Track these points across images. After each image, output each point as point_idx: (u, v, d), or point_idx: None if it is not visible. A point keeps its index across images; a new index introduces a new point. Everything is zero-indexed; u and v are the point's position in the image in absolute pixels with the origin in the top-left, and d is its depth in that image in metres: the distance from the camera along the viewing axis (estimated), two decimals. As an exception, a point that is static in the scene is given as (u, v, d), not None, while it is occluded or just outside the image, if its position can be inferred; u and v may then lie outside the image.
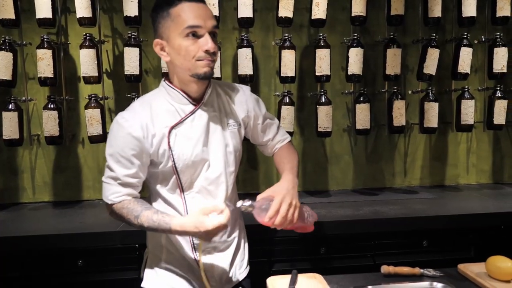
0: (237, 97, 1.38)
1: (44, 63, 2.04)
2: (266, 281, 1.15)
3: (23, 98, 2.18)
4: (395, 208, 2.04)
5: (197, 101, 1.28)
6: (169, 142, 1.23)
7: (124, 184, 1.24)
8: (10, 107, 2.08)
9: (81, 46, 2.06)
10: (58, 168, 2.34)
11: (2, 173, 2.32)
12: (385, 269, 1.21)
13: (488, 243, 1.90)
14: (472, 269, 1.18)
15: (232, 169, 1.33)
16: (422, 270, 1.19)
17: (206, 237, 1.15)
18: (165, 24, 1.19)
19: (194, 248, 1.30)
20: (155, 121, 1.24)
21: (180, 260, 1.32)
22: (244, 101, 1.38)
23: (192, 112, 1.26)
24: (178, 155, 1.24)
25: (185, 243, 1.31)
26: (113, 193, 1.25)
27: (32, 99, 2.22)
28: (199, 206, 1.22)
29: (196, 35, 1.17)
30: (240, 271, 1.39)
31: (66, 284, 1.76)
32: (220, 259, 1.33)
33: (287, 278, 1.14)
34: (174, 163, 1.24)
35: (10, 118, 2.06)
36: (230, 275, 1.35)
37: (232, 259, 1.36)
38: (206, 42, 1.17)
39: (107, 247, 1.76)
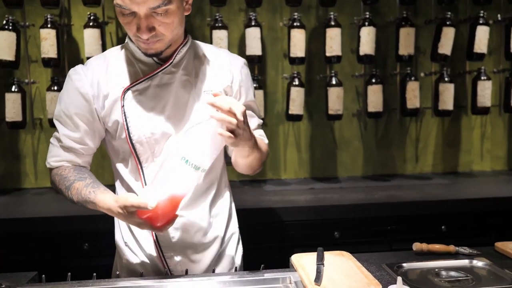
0: (221, 61, 1.10)
1: (47, 43, 1.98)
2: (291, 258, 1.09)
3: (26, 80, 2.13)
4: (411, 192, 1.97)
5: (164, 62, 1.04)
6: (122, 106, 1.01)
7: (66, 148, 1.05)
8: (13, 88, 2.02)
9: (86, 26, 2.00)
10: (62, 154, 2.29)
11: (4, 158, 2.26)
12: (417, 246, 1.12)
13: (510, 227, 1.82)
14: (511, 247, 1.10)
15: None
16: (457, 248, 1.11)
17: (128, 219, 0.92)
18: None
19: (160, 247, 1.07)
20: (110, 79, 1.03)
21: (144, 263, 1.10)
22: (228, 68, 1.10)
23: (155, 73, 1.03)
24: (133, 125, 1.02)
25: (148, 237, 1.08)
26: (53, 156, 1.06)
27: (35, 82, 2.16)
28: None
29: (126, 15, 0.95)
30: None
31: (71, 268, 1.71)
32: (195, 263, 1.10)
33: (312, 255, 1.07)
34: (129, 134, 1.02)
35: (13, 100, 2.00)
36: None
37: (210, 266, 1.12)
38: (132, 27, 0.95)
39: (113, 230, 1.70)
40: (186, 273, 1.08)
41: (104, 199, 0.96)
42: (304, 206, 1.82)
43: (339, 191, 2.05)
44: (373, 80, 2.14)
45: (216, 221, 1.14)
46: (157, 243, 1.08)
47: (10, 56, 1.97)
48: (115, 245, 1.19)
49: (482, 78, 2.16)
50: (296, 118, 2.10)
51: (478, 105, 2.15)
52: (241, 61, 1.15)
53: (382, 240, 1.79)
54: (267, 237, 1.78)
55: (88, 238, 1.70)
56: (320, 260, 1.04)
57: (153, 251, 1.09)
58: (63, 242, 1.71)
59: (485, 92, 2.14)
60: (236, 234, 1.21)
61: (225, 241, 1.17)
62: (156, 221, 0.92)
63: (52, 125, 2.05)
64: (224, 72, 1.10)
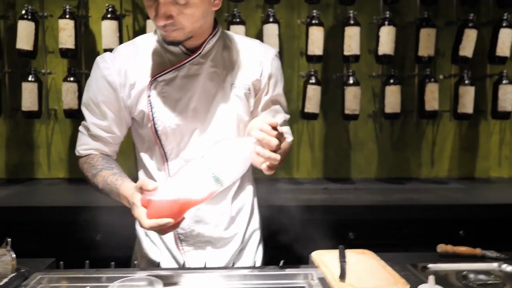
0: (251, 53, 1.06)
1: (65, 33, 1.98)
2: (312, 255, 1.06)
3: (42, 71, 2.13)
4: (427, 196, 1.93)
5: (192, 52, 1.01)
6: (149, 96, 1.00)
7: (94, 136, 1.04)
8: (30, 78, 2.03)
9: (103, 18, 2.00)
10: (74, 144, 2.26)
11: (18, 148, 2.27)
12: (442, 247, 1.09)
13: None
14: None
15: None
16: (484, 251, 1.08)
17: (135, 212, 0.87)
18: None
19: (179, 239, 1.06)
20: (137, 68, 1.01)
21: (164, 254, 1.09)
22: (258, 59, 1.06)
23: (183, 64, 1.00)
24: (159, 115, 1.00)
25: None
26: (82, 145, 1.06)
27: (51, 73, 2.16)
28: None
29: None
30: None
31: (84, 258, 1.70)
32: (214, 259, 1.07)
33: (334, 252, 1.04)
34: (154, 125, 1.01)
35: (30, 90, 2.00)
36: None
37: (228, 263, 1.09)
38: (152, 12, 0.92)
39: (128, 222, 1.69)
40: (204, 266, 1.05)
41: (127, 187, 0.93)
42: (319, 205, 1.79)
43: (354, 192, 2.02)
44: (391, 81, 2.11)
45: (237, 217, 1.11)
46: (176, 235, 1.06)
47: (28, 46, 1.97)
48: (126, 237, 1.17)
49: (504, 82, 2.12)
50: (312, 116, 2.08)
51: (499, 110, 2.11)
52: (273, 52, 1.10)
53: (398, 243, 1.75)
54: (281, 236, 1.75)
55: (101, 229, 1.68)
56: (343, 257, 1.01)
57: (172, 243, 1.07)
58: (76, 232, 1.70)
59: (507, 97, 2.10)
60: (258, 232, 1.17)
61: (246, 238, 1.13)
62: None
63: (68, 116, 2.08)
64: (254, 64, 1.06)
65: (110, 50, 1.99)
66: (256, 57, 1.06)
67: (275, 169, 0.88)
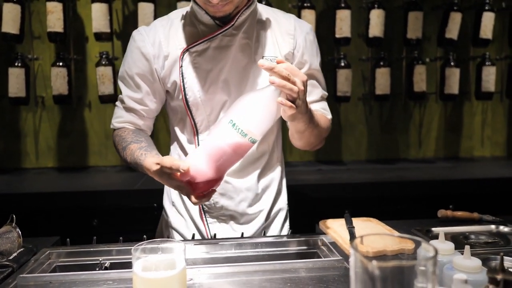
0: (285, 26, 1.05)
1: (54, 16, 1.93)
2: (319, 223, 1.08)
3: (29, 56, 2.07)
4: (417, 173, 2.00)
5: (225, 24, 1.00)
6: (181, 67, 1.00)
7: (128, 109, 1.05)
8: (17, 63, 1.96)
9: (93, 1, 1.95)
10: (63, 132, 2.24)
11: (3, 136, 2.20)
12: (442, 213, 1.16)
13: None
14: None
15: None
16: (481, 215, 1.14)
17: (168, 181, 0.87)
18: None
19: (203, 210, 1.08)
20: (171, 40, 1.02)
21: (188, 224, 1.11)
22: (292, 32, 1.04)
23: (215, 35, 0.99)
24: (189, 86, 1.00)
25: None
26: (116, 118, 1.07)
27: (37, 58, 2.10)
28: None
29: None
30: None
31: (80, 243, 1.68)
32: (235, 233, 1.07)
33: (340, 220, 1.07)
34: (185, 96, 1.01)
35: (17, 75, 1.94)
36: None
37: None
38: None
39: (123, 206, 1.68)
40: (214, 237, 1.06)
41: (150, 162, 0.92)
42: (315, 184, 1.83)
43: (347, 172, 2.07)
44: (381, 63, 2.16)
45: (264, 195, 1.10)
46: (201, 206, 1.07)
47: (14, 29, 1.91)
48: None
49: (487, 63, 2.21)
50: (306, 99, 2.11)
51: (483, 90, 2.20)
52: (307, 27, 1.08)
53: (392, 218, 1.81)
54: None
55: (98, 214, 1.67)
56: (350, 223, 1.04)
57: (197, 214, 1.08)
58: (73, 218, 1.67)
59: (490, 78, 2.18)
60: (284, 211, 1.16)
61: (271, 216, 1.13)
62: (197, 186, 0.86)
63: (57, 102, 2.03)
64: (287, 37, 1.04)
65: (101, 33, 1.99)
66: (290, 31, 1.05)
67: (295, 110, 0.81)
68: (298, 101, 0.81)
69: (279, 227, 1.15)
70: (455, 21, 2.12)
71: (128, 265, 0.91)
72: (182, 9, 1.08)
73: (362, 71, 2.39)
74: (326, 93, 1.12)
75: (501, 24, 2.42)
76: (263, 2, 2.05)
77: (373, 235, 0.87)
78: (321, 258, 0.93)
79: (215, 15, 0.97)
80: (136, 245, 0.67)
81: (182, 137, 1.08)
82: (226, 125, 0.82)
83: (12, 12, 1.89)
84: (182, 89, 1.01)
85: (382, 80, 2.14)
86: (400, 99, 2.37)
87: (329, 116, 1.11)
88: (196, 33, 1.02)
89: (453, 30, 2.13)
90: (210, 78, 1.01)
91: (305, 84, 0.82)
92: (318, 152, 2.42)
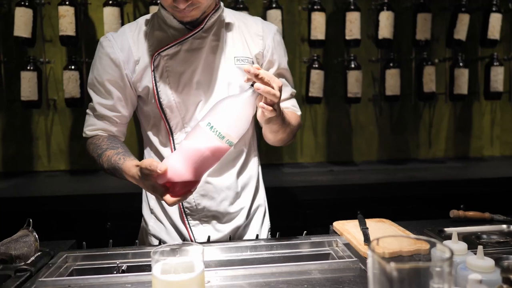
0: (253, 28, 1.08)
1: (66, 20, 1.95)
2: (333, 225, 1.09)
3: (41, 59, 2.09)
4: (428, 174, 2.00)
5: (195, 27, 1.02)
6: (153, 71, 1.01)
7: (100, 117, 1.05)
8: (29, 67, 1.99)
9: (105, 4, 1.98)
10: (75, 135, 2.26)
11: (16, 140, 2.23)
12: (454, 213, 1.17)
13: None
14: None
15: None
16: (492, 215, 1.15)
17: (146, 184, 0.87)
18: None
19: (185, 213, 1.07)
20: (141, 44, 1.03)
21: (169, 230, 1.10)
22: (261, 34, 1.07)
23: (186, 38, 1.01)
24: (163, 89, 1.01)
25: (174, 207, 1.07)
26: (89, 126, 1.06)
27: (49, 62, 2.13)
28: None
29: None
30: None
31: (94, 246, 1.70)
32: (220, 233, 1.08)
33: (353, 222, 1.08)
34: (159, 99, 1.01)
35: (29, 79, 1.97)
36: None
37: (235, 237, 1.11)
38: None
39: (136, 209, 1.69)
40: (208, 240, 1.06)
41: (129, 164, 0.93)
42: (327, 185, 1.83)
43: (359, 173, 2.07)
44: (391, 64, 2.16)
45: (243, 192, 1.12)
46: (182, 209, 1.07)
47: (26, 33, 1.93)
48: (132, 225, 1.17)
49: (495, 64, 2.20)
50: (316, 100, 2.11)
51: (491, 90, 2.19)
52: (274, 28, 1.12)
53: (404, 218, 1.81)
54: (291, 216, 1.79)
55: (111, 216, 1.69)
56: (364, 224, 1.05)
57: (178, 218, 1.08)
58: (86, 220, 1.69)
59: (498, 78, 2.18)
60: (263, 207, 1.18)
61: (251, 213, 1.14)
62: (174, 188, 0.85)
63: (69, 105, 2.05)
64: (256, 39, 1.07)
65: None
66: (258, 32, 1.08)
67: (275, 112, 0.84)
68: (275, 105, 0.85)
69: (260, 223, 1.17)
70: (463, 22, 2.12)
71: (144, 268, 0.94)
72: (149, 15, 1.10)
73: (372, 72, 2.39)
74: (294, 91, 1.17)
75: (508, 25, 2.40)
76: (274, 5, 2.06)
77: (389, 237, 0.87)
78: (336, 259, 0.94)
79: (183, 20, 0.99)
80: (155, 248, 0.68)
81: (156, 141, 1.08)
82: (204, 128, 0.84)
83: (24, 16, 1.92)
84: (156, 93, 1.01)
85: (392, 81, 2.14)
86: (410, 99, 2.37)
87: (299, 112, 1.15)
88: (166, 37, 1.03)
89: (461, 31, 2.12)
90: (184, 80, 1.02)
91: (280, 90, 0.85)
92: (330, 153, 2.42)
